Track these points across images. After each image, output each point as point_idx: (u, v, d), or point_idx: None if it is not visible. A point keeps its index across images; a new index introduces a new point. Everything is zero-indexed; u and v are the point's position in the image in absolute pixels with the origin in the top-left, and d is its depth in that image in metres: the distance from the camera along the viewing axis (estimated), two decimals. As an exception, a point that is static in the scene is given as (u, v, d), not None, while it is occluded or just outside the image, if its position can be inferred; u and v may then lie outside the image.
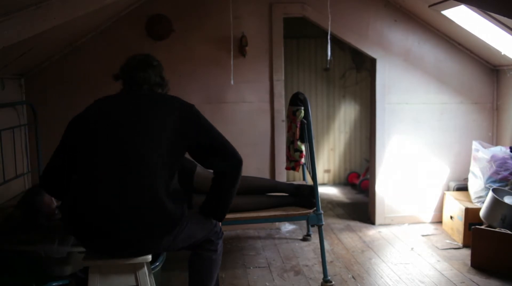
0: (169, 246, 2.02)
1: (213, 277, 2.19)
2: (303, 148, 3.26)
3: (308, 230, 3.87)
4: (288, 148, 3.41)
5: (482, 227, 3.19)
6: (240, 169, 2.10)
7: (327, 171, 5.78)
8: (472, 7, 3.17)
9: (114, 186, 1.87)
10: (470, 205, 3.57)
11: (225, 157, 2.07)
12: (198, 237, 2.11)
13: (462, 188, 3.95)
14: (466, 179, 3.93)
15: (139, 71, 2.10)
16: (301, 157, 3.28)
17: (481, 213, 3.32)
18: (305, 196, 3.04)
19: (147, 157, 1.90)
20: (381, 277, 3.07)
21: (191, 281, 2.17)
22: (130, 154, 1.90)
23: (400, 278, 3.05)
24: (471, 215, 3.50)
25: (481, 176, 3.59)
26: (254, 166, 3.94)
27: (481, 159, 3.61)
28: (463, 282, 2.95)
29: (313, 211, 2.94)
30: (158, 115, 1.97)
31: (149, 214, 1.87)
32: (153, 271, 2.31)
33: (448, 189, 4.12)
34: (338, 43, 5.00)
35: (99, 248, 1.96)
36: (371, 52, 4.00)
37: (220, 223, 2.25)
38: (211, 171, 2.15)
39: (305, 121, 3.09)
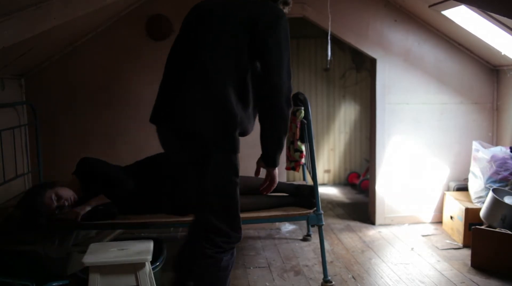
0: (211, 157, 2.00)
1: None
2: (303, 148, 3.26)
3: (308, 230, 3.87)
4: (288, 148, 3.40)
5: (482, 227, 3.19)
6: (278, 97, 1.99)
7: (327, 171, 5.78)
8: (472, 7, 3.17)
9: (181, 81, 1.96)
10: (470, 205, 3.57)
11: (271, 79, 1.96)
12: (216, 192, 2.04)
13: (462, 188, 3.95)
14: (466, 179, 3.93)
15: None
16: (301, 157, 3.28)
17: (481, 213, 3.32)
18: (305, 196, 3.03)
19: (219, 56, 1.93)
20: (381, 277, 3.07)
21: None
22: (201, 50, 1.95)
23: (400, 278, 3.05)
24: (471, 215, 3.50)
25: (481, 176, 3.58)
26: (254, 167, 3.89)
27: (481, 159, 3.61)
28: (463, 282, 2.95)
29: (313, 211, 2.93)
30: (244, 18, 1.95)
31: (211, 106, 1.93)
32: (153, 271, 2.30)
33: (448, 189, 4.12)
34: (338, 43, 5.00)
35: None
36: (371, 52, 4.00)
37: (239, 236, 2.13)
38: None
39: (305, 121, 3.09)
